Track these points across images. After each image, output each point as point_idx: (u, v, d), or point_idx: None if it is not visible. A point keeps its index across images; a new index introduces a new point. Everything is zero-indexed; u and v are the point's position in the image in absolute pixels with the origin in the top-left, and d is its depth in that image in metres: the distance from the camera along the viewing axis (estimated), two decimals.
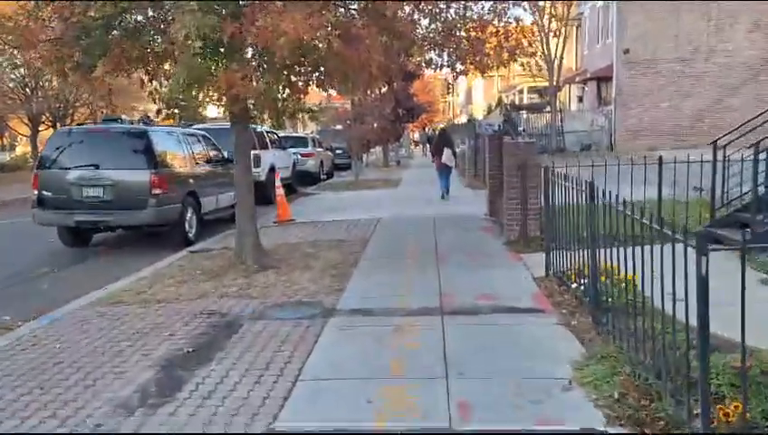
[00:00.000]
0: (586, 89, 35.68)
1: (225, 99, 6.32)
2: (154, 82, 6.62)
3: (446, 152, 15.11)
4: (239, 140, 7.71)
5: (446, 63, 7.60)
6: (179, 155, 10.72)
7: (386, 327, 5.17)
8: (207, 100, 6.80)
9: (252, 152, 16.21)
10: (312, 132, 31.66)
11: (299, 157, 21.73)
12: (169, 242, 10.08)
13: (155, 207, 9.67)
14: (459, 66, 7.52)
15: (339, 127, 29.53)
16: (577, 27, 37.20)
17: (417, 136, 55.05)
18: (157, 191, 9.69)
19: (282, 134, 23.94)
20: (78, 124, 23.88)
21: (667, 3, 28.49)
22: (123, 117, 17.69)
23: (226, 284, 6.89)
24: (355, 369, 4.29)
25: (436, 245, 8.85)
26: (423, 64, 7.84)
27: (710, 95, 29.21)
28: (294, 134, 25.45)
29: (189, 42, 5.33)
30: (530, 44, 8.05)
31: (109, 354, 4.85)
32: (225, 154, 13.58)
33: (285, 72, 6.29)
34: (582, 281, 5.28)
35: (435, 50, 7.22)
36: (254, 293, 6.46)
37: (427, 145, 43.46)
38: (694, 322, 3.24)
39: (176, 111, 7.52)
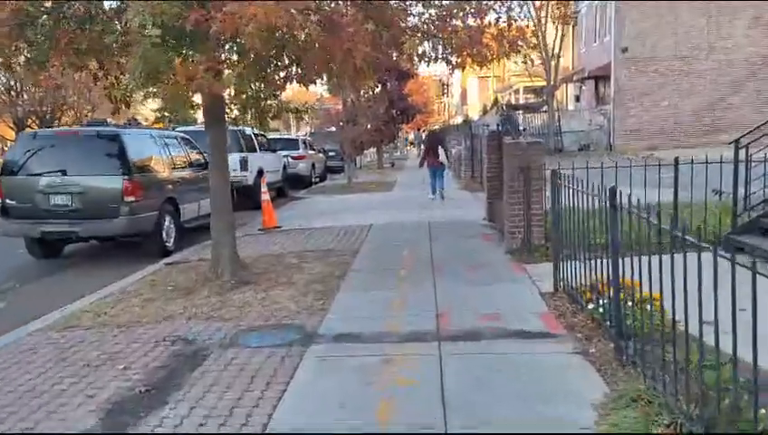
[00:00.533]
0: (583, 88, 35.08)
1: (192, 95, 5.63)
2: (110, 78, 5.93)
3: (441, 152, 15.46)
4: (214, 142, 6.99)
5: (440, 56, 6.89)
6: (156, 159, 9.99)
7: (374, 357, 4.46)
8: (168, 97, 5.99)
9: (238, 155, 15.60)
10: (305, 134, 30.86)
11: (290, 160, 21.02)
12: (146, 252, 9.38)
13: (128, 216, 8.95)
14: (455, 59, 6.80)
15: (332, 129, 28.84)
16: (573, 26, 36.56)
17: (412, 136, 54.21)
18: (130, 199, 8.98)
19: (272, 136, 23.30)
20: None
21: (665, 1, 27.92)
22: (109, 120, 16.99)
23: (198, 303, 6.17)
24: (335, 415, 3.59)
25: (431, 254, 8.15)
26: (415, 58, 7.12)
27: (710, 93, 28.63)
28: (285, 136, 24.72)
29: (146, 30, 4.63)
30: (533, 34, 7.32)
31: (49, 395, 4.13)
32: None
33: (260, 65, 5.59)
34: (601, 301, 4.58)
35: (428, 41, 6.51)
36: (227, 314, 5.75)
37: (422, 146, 42.86)
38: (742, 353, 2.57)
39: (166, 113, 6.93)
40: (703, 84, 28.57)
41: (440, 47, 6.58)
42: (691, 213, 7.18)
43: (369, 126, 26.86)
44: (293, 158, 21.36)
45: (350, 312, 5.67)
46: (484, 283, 6.48)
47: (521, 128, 7.49)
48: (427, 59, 6.95)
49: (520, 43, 6.46)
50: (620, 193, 4.07)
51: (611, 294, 4.28)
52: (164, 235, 9.68)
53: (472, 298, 5.87)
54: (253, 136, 16.39)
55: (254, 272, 7.29)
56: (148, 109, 38.16)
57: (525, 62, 29.64)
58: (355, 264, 7.81)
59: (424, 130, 54.22)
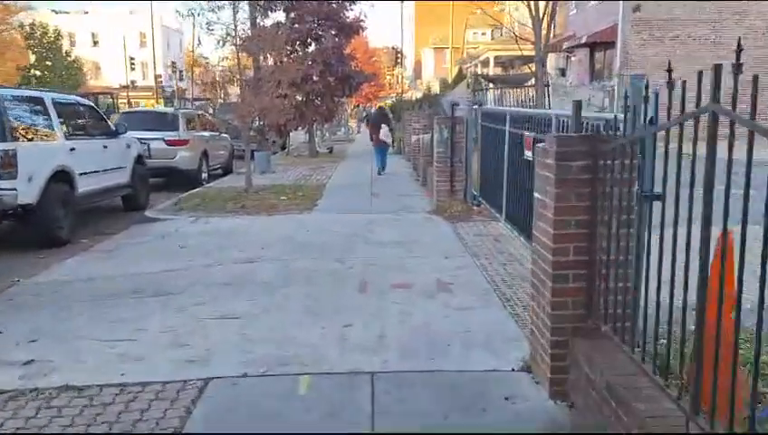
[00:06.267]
0: (572, 59, 28.34)
1: None
2: None
3: (384, 129, 15.69)
4: None
5: None
6: None
7: None
8: None
9: None
10: (197, 107, 22.65)
11: (161, 146, 13.47)
12: None
13: None
14: None
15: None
16: None
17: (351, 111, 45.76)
18: None
19: (133, 109, 15.58)
20: None
21: None
22: None
23: None
24: None
25: None
26: None
27: (743, 69, 22.26)
28: (153, 109, 16.98)
29: None
30: None
31: None
32: None
33: None
34: None
35: None
36: None
37: (364, 123, 35.81)
38: None
39: None
40: (732, 58, 22.11)
41: None
42: None
43: (299, 98, 19.37)
44: (168, 143, 13.74)
45: None
46: None
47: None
48: None
49: None
50: None
51: None
52: None
53: None
54: (48, 104, 8.75)
55: None
56: None
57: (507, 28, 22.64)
58: None
59: (366, 106, 46.61)
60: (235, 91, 18.07)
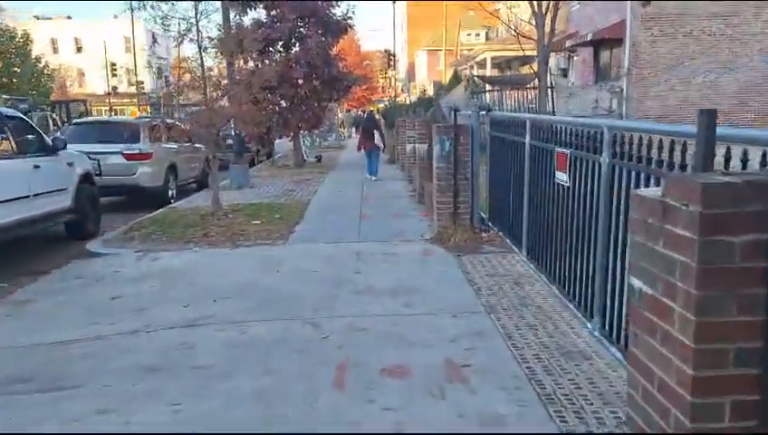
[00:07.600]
0: (574, 58, 26.67)
1: None
2: None
3: (376, 135, 16.03)
4: None
5: None
6: None
7: None
8: None
9: None
10: (165, 113, 20.81)
11: (118, 161, 11.74)
12: None
13: None
14: None
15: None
16: None
17: (341, 116, 43.51)
18: None
19: (86, 120, 13.95)
20: None
21: None
22: None
23: None
24: None
25: None
26: None
27: (761, 67, 20.70)
28: (106, 118, 15.26)
29: None
30: None
31: None
32: None
33: None
34: None
35: None
36: None
37: (354, 129, 34.34)
38: None
39: None
40: (750, 54, 20.57)
41: None
42: None
43: (282, 103, 17.71)
44: (127, 157, 11.99)
45: None
46: None
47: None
48: None
49: None
50: None
51: None
52: None
53: None
54: None
55: None
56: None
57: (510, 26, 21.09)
58: None
59: (360, 111, 44.86)
60: (215, 95, 16.33)
